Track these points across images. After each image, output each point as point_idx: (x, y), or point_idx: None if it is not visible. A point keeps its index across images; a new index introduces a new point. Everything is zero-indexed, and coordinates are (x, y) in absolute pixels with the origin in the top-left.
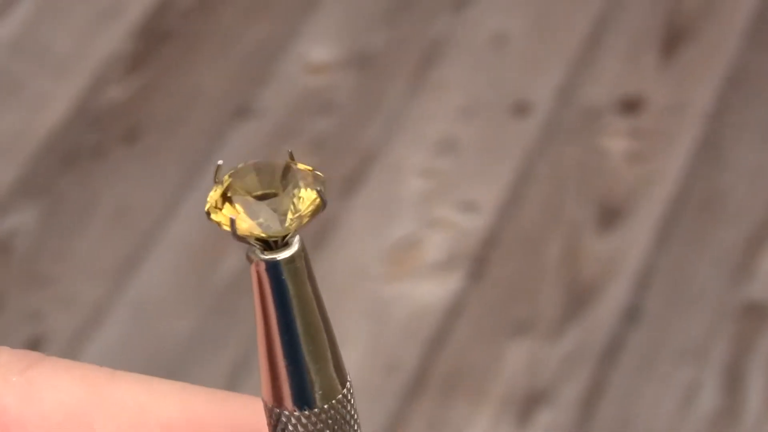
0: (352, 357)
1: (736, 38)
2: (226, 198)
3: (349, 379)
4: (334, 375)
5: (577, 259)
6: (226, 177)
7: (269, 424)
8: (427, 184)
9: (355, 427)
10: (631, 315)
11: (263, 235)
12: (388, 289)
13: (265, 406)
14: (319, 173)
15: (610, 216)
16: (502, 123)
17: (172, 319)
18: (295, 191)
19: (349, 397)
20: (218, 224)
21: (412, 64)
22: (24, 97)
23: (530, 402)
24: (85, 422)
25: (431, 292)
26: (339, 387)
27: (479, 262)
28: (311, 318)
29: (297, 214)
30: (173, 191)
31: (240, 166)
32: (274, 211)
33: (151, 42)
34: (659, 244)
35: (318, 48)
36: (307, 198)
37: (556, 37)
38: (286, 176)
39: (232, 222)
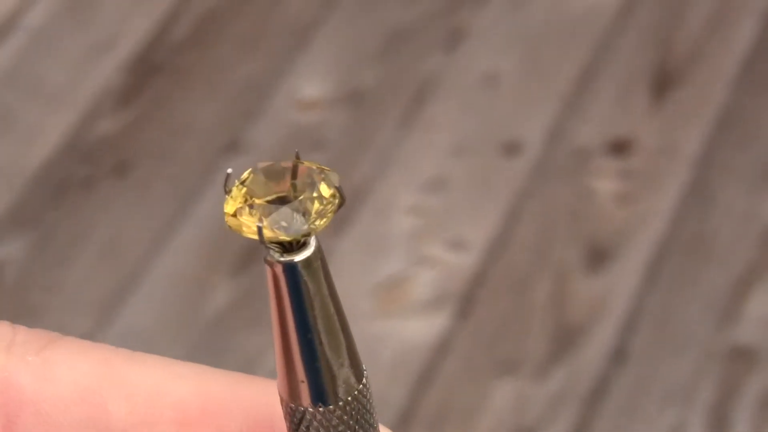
0: None
1: (725, 83)
2: (244, 205)
3: (365, 374)
4: (351, 371)
5: (564, 299)
6: (238, 184)
7: (287, 419)
8: (417, 221)
9: (373, 422)
10: (618, 356)
11: (289, 239)
12: (376, 327)
13: (283, 402)
14: (329, 169)
15: (598, 257)
16: (492, 162)
17: (160, 352)
18: (314, 190)
19: (366, 393)
20: (240, 232)
21: (403, 102)
22: (15, 128)
23: None
24: (100, 403)
25: (419, 329)
26: (355, 383)
27: (467, 300)
28: (328, 316)
29: (319, 214)
30: (163, 225)
31: (249, 171)
32: (296, 212)
33: (143, 75)
34: (647, 286)
35: (309, 84)
36: (326, 195)
37: (547, 78)
38: (296, 176)
39: (260, 230)
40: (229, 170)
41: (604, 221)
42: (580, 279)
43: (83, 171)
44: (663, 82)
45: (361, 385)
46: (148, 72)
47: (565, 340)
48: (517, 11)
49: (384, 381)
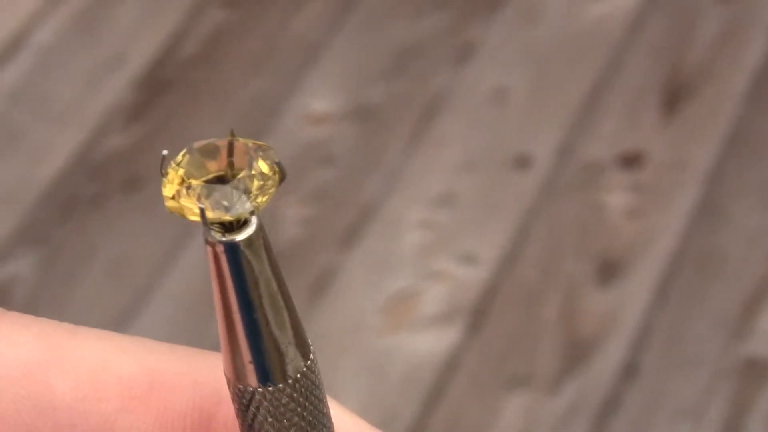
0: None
1: (736, 98)
2: (181, 187)
3: (312, 350)
4: (297, 349)
5: (575, 314)
6: (174, 166)
7: (235, 402)
8: (426, 236)
9: (322, 398)
10: (629, 372)
11: (232, 218)
12: (386, 342)
13: (230, 384)
14: (265, 145)
15: (608, 271)
16: (502, 177)
17: None
18: (252, 167)
19: (314, 369)
20: (182, 215)
21: (412, 117)
22: (24, 146)
23: None
24: (43, 379)
25: (429, 344)
26: (303, 360)
27: (477, 315)
28: (271, 295)
29: (260, 190)
30: (171, 242)
31: (184, 152)
32: (236, 191)
33: (153, 92)
34: (657, 301)
35: (319, 100)
36: (265, 172)
37: (556, 93)
38: (232, 154)
39: (202, 211)
40: (165, 152)
41: (615, 236)
42: (591, 293)
43: (92, 188)
44: (673, 97)
45: (309, 362)
46: (158, 89)
47: (575, 355)
48: (527, 27)
49: (394, 396)
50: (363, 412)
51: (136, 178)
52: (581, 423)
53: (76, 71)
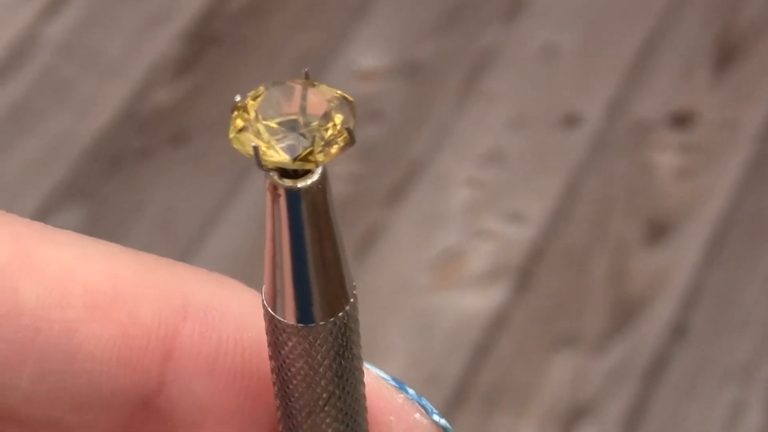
0: (394, 367)
1: None
2: (251, 124)
3: (353, 297)
4: (338, 293)
5: (623, 274)
6: (249, 100)
7: (269, 333)
8: (474, 194)
9: (357, 345)
10: (677, 332)
11: (289, 166)
12: (432, 300)
13: (266, 316)
14: (348, 98)
15: (657, 232)
16: (551, 136)
17: None
18: (328, 119)
19: (353, 314)
20: (247, 153)
21: (461, 74)
22: (72, 99)
23: (573, 417)
24: (10, 284)
25: (476, 303)
26: (343, 305)
27: (525, 274)
28: (323, 240)
29: (327, 143)
30: (219, 196)
31: (261, 88)
32: (303, 138)
33: (200, 46)
34: (707, 262)
35: (367, 55)
36: (335, 130)
37: (607, 51)
38: (308, 100)
39: (256, 150)
40: (238, 97)
41: (664, 196)
42: (640, 254)
43: (139, 142)
44: (725, 56)
45: (348, 306)
46: (205, 43)
47: (623, 315)
48: None
49: (440, 355)
50: (409, 370)
51: (184, 132)
52: (629, 383)
53: (123, 24)
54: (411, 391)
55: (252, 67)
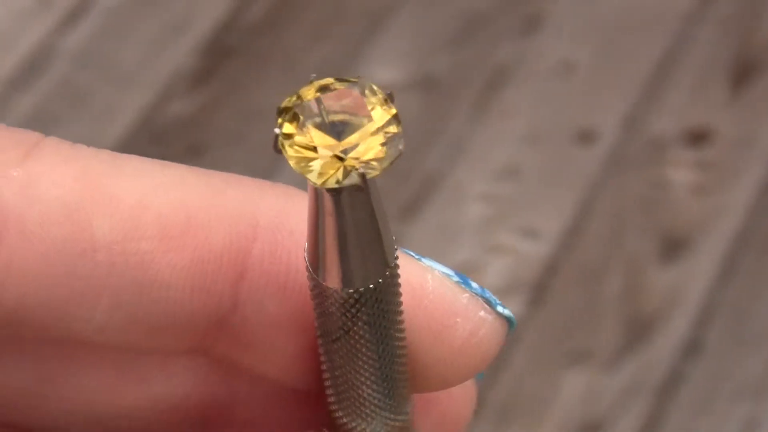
0: None
1: None
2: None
3: (393, 264)
4: (378, 261)
5: (637, 290)
6: (313, 91)
7: (311, 289)
8: (489, 209)
9: (396, 311)
10: (691, 349)
11: (336, 185)
12: None
13: (308, 274)
14: (394, 115)
15: (672, 248)
16: (566, 151)
17: None
18: (374, 137)
19: (392, 282)
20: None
21: (477, 88)
22: (89, 109)
23: None
24: (84, 220)
25: None
26: (382, 271)
27: (539, 289)
28: (365, 221)
29: (370, 165)
30: None
31: (308, 96)
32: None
33: (217, 58)
34: (722, 279)
35: (383, 70)
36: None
37: (623, 66)
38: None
39: (276, 138)
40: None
41: (680, 212)
42: (654, 270)
43: (155, 152)
44: (742, 72)
45: (387, 272)
46: (222, 54)
47: (637, 331)
48: None
49: None
50: None
51: (199, 144)
52: (642, 400)
53: (141, 35)
54: (474, 284)
55: (268, 79)
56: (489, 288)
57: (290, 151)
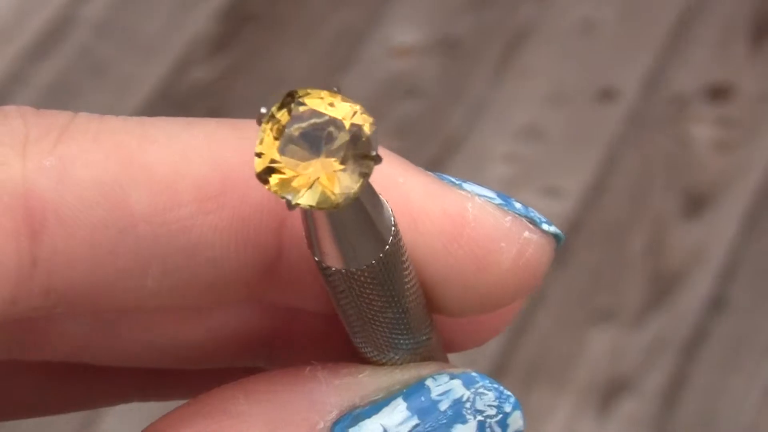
0: None
1: None
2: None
3: (390, 238)
4: (375, 238)
5: (661, 247)
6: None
7: (318, 270)
8: (511, 169)
9: (400, 281)
10: (716, 305)
11: (313, 205)
12: None
13: (310, 254)
14: (365, 120)
15: (695, 205)
16: (588, 110)
17: None
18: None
19: (392, 255)
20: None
21: (498, 49)
22: (109, 78)
23: (612, 391)
24: (121, 198)
25: None
26: (380, 248)
27: (563, 249)
28: (356, 213)
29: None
30: None
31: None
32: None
33: (236, 24)
34: (745, 235)
35: (403, 32)
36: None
37: (644, 24)
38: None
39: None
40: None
41: (702, 169)
42: (678, 227)
43: None
44: (763, 28)
45: (386, 248)
46: (242, 20)
47: (662, 288)
48: None
49: None
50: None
51: (220, 110)
52: (667, 357)
53: (160, 3)
54: (517, 204)
55: (288, 44)
56: None
57: (271, 178)
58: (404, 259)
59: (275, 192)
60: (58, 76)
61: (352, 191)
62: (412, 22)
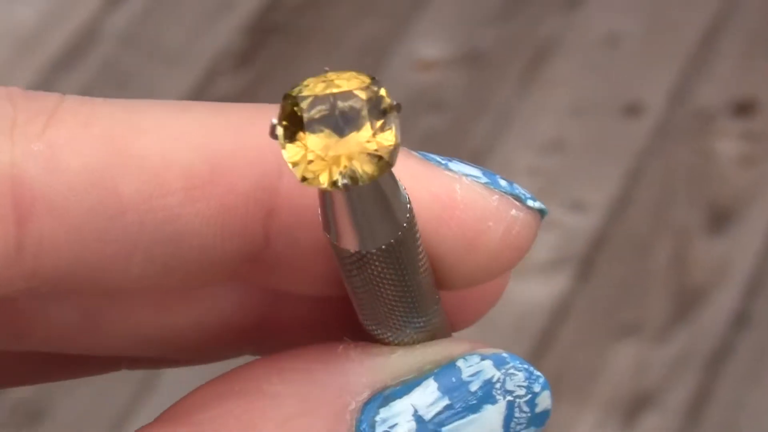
0: None
1: None
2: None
3: (405, 222)
4: (394, 217)
5: (685, 262)
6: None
7: (333, 252)
8: (535, 182)
9: (415, 264)
10: (740, 320)
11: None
12: None
13: (325, 237)
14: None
15: (720, 219)
16: (613, 123)
17: None
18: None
19: (407, 236)
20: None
21: (523, 62)
22: (134, 89)
23: (635, 405)
24: (110, 185)
25: (538, 292)
26: (394, 231)
27: (586, 262)
28: (373, 196)
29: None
30: None
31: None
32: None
33: (262, 36)
34: None
35: (428, 45)
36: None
37: (669, 38)
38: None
39: (273, 127)
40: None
41: (727, 183)
42: (702, 241)
43: None
44: None
45: (400, 232)
46: (267, 32)
47: (686, 302)
48: None
49: (503, 343)
50: None
51: None
52: (691, 372)
53: (185, 15)
54: (502, 181)
55: (312, 58)
56: (538, 261)
57: (287, 147)
58: (418, 237)
59: (321, 186)
60: (83, 88)
61: (389, 153)
62: (436, 35)
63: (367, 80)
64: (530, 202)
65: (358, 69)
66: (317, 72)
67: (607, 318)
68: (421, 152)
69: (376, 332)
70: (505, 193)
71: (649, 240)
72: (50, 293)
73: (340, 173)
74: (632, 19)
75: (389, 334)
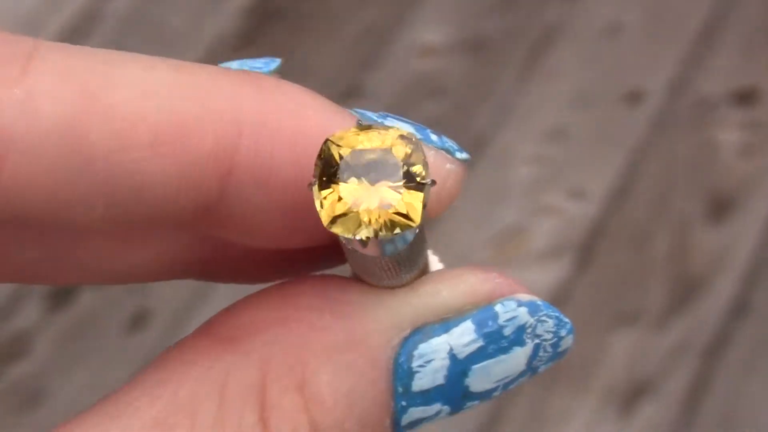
0: None
1: None
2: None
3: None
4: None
5: (685, 251)
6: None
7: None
8: (536, 171)
9: (422, 252)
10: (739, 310)
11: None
12: None
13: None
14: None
15: (720, 209)
16: (614, 112)
17: None
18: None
19: (422, 228)
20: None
21: (524, 50)
22: None
23: (633, 394)
24: (83, 134)
25: (537, 280)
26: (411, 232)
27: (586, 251)
28: None
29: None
30: None
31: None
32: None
33: (262, 21)
34: None
35: (429, 31)
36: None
37: (671, 27)
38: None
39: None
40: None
41: (727, 173)
42: (702, 231)
43: None
44: None
45: (416, 230)
46: (268, 17)
47: (685, 292)
48: None
49: None
50: None
51: None
52: (689, 361)
53: None
54: (433, 136)
55: (314, 42)
56: (537, 249)
57: (323, 204)
58: (423, 233)
59: (348, 236)
60: None
61: (419, 207)
62: (438, 22)
63: (410, 145)
64: (458, 155)
65: (359, 55)
66: (317, 58)
67: (606, 306)
68: (355, 108)
69: (368, 282)
70: (438, 148)
71: (649, 229)
72: (18, 224)
73: (366, 228)
74: (633, 8)
75: (384, 283)
